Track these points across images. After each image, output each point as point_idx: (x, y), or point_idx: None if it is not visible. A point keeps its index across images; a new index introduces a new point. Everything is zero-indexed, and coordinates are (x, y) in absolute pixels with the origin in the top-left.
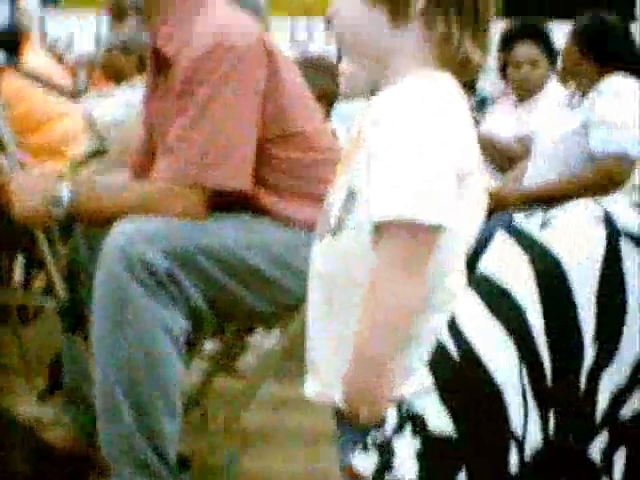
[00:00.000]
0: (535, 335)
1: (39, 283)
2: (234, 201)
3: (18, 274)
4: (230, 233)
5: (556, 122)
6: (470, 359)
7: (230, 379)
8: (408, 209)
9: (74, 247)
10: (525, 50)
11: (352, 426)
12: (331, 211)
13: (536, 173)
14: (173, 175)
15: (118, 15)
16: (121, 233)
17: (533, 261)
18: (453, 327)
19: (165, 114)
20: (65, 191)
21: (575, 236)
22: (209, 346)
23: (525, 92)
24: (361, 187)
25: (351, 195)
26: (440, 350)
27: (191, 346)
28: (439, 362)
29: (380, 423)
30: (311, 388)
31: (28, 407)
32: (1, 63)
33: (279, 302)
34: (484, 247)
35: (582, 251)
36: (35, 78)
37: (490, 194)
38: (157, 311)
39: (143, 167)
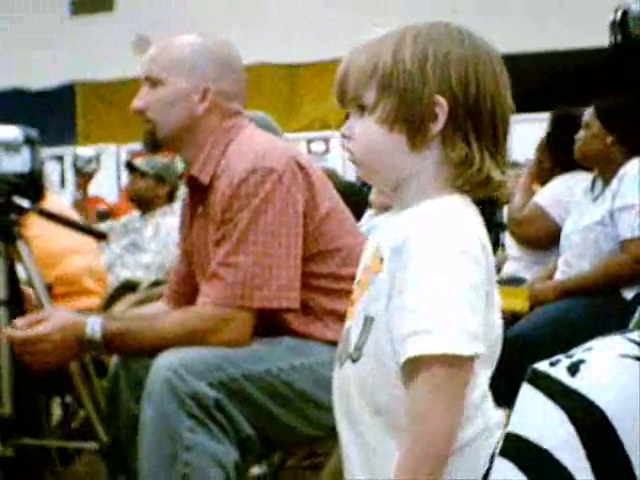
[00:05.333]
0: None
1: (78, 420)
2: (265, 325)
3: (56, 413)
4: (274, 358)
5: (579, 214)
6: None
7: None
8: (444, 343)
9: (113, 382)
10: None
11: None
12: (349, 336)
13: (568, 266)
14: (219, 298)
15: (152, 147)
16: (166, 366)
17: (571, 414)
18: None
19: (206, 241)
20: (97, 331)
21: (613, 380)
22: (255, 470)
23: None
24: (379, 313)
25: (368, 321)
26: None
27: (238, 472)
28: None
29: None
30: None
31: None
32: (24, 208)
33: (326, 424)
34: None
35: (625, 396)
36: (55, 218)
37: (526, 293)
38: (208, 445)
39: (181, 296)
